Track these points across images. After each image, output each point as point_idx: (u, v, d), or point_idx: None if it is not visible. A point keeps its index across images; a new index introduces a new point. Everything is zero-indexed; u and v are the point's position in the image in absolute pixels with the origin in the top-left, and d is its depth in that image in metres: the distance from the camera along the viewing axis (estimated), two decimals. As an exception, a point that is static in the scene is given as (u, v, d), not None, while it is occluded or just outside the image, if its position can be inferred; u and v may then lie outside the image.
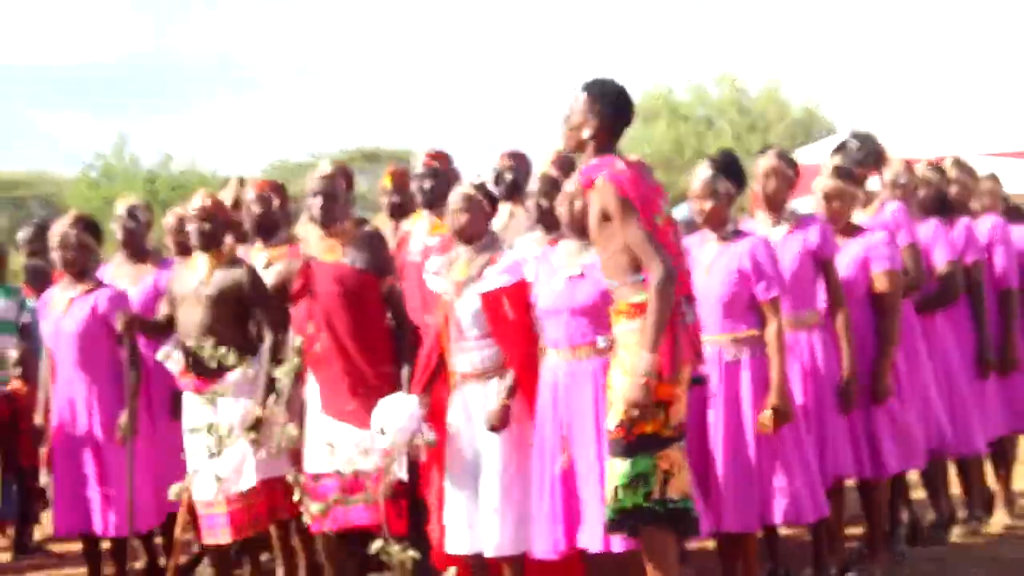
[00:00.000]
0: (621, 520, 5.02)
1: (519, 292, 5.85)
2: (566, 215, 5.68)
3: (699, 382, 5.49)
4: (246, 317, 6.56)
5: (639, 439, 4.96)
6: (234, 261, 6.64)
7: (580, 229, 5.62)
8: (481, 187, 6.05)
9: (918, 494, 7.53)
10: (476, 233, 5.98)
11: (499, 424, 5.82)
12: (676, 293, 4.97)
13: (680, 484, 5.03)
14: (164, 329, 6.82)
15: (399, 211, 7.34)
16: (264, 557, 7.05)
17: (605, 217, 5.01)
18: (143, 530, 7.09)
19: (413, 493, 6.24)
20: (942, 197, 7.50)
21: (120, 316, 6.69)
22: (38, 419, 7.26)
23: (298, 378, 6.35)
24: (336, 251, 6.33)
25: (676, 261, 5.02)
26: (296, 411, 6.36)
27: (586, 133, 5.09)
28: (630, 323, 5.00)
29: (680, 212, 6.81)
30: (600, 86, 5.13)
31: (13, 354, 8.41)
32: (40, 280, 8.58)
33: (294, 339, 6.36)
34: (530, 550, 5.71)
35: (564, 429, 5.56)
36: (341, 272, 6.28)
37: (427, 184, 6.98)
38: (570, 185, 5.66)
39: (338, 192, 6.37)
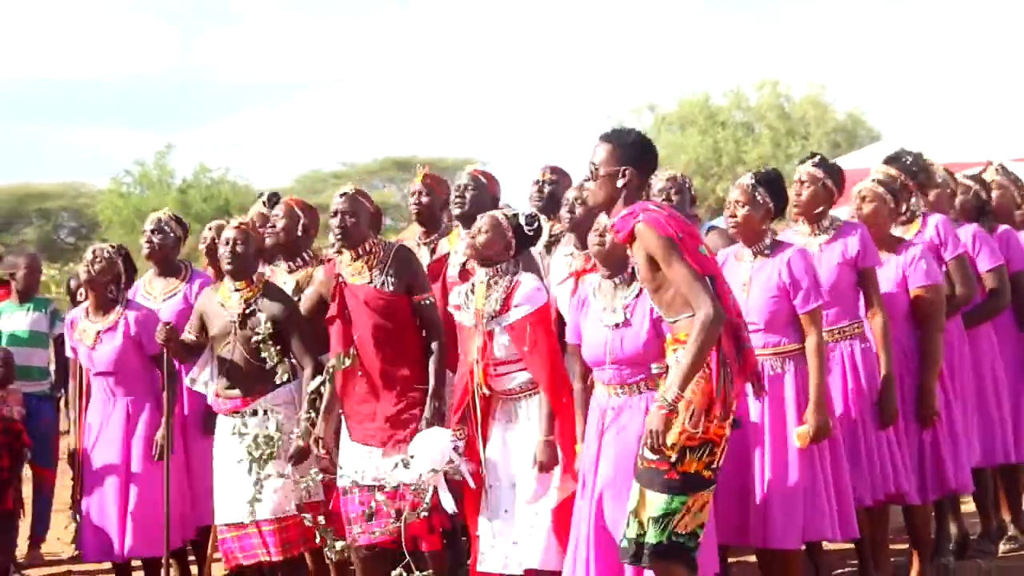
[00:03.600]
0: (639, 551, 4.99)
1: (543, 316, 5.86)
2: (598, 250, 5.60)
3: (736, 425, 5.43)
4: (284, 347, 6.45)
5: (684, 478, 4.93)
6: (267, 291, 6.52)
7: (613, 264, 5.56)
8: (514, 218, 6.01)
9: (968, 507, 7.40)
10: (493, 256, 5.94)
11: (548, 462, 5.79)
12: (734, 321, 4.94)
13: (691, 522, 4.99)
14: (193, 351, 6.72)
15: (427, 214, 7.14)
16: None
17: (653, 262, 4.95)
18: (175, 545, 7.01)
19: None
20: (981, 204, 7.36)
21: (160, 328, 6.60)
22: (71, 438, 7.27)
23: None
24: (364, 273, 6.24)
25: (723, 299, 4.97)
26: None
27: (620, 183, 5.05)
28: None
29: (718, 223, 6.71)
30: (621, 134, 5.14)
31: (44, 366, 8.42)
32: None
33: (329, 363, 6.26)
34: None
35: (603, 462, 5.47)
36: (369, 295, 6.19)
37: (469, 194, 6.78)
38: (603, 218, 5.58)
39: (359, 212, 6.26)
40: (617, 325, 5.49)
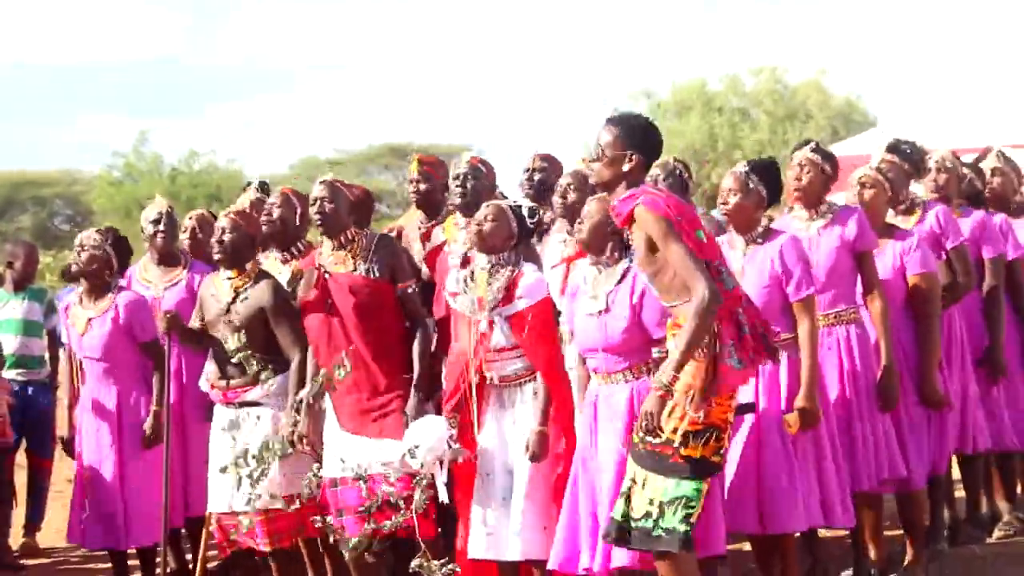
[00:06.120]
0: (622, 532, 5.00)
1: (544, 307, 5.85)
2: (586, 235, 5.55)
3: (748, 409, 5.45)
4: (270, 338, 6.43)
5: (691, 463, 4.94)
6: (259, 280, 6.48)
7: (594, 248, 5.55)
8: (516, 208, 5.99)
9: (962, 493, 7.41)
10: (496, 245, 5.92)
11: (540, 452, 5.77)
12: (733, 305, 4.91)
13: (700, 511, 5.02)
14: (199, 337, 6.67)
15: (427, 200, 7.09)
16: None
17: (652, 246, 4.95)
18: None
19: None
20: (976, 192, 7.36)
21: (163, 316, 6.59)
22: (65, 423, 7.29)
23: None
24: (347, 262, 6.24)
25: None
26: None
27: (626, 167, 5.05)
28: None
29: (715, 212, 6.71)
30: (630, 121, 5.15)
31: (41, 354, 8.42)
32: None
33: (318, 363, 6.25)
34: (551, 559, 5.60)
35: (594, 449, 5.47)
36: (355, 283, 6.19)
37: (470, 184, 6.69)
38: (589, 205, 5.58)
39: (338, 198, 6.26)
40: (600, 312, 5.47)
